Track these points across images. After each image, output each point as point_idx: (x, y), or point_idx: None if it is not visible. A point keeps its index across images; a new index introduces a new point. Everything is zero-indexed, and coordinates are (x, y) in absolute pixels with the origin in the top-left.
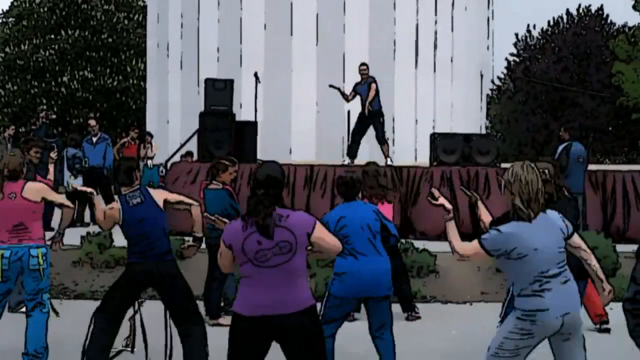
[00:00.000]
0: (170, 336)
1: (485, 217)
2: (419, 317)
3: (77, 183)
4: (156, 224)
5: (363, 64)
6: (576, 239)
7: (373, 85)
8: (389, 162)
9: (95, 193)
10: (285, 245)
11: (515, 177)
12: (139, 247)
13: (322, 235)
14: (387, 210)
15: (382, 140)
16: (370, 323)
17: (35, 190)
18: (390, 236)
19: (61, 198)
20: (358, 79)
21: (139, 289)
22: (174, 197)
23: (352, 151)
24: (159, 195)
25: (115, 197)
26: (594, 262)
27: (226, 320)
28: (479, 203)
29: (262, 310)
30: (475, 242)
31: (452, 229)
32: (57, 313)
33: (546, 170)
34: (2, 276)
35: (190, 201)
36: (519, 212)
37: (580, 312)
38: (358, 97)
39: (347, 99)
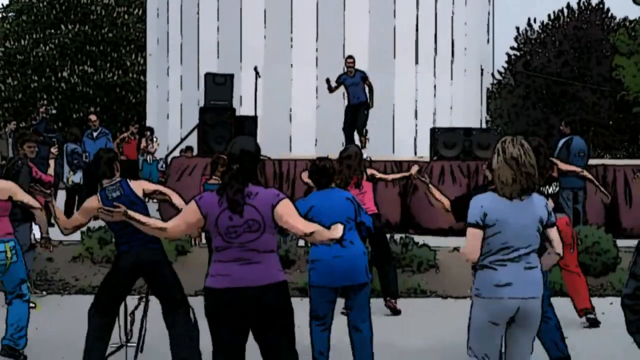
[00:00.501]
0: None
1: (442, 199)
2: (396, 307)
3: (77, 178)
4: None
5: (350, 56)
6: (553, 233)
7: (368, 81)
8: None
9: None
10: (253, 223)
11: (508, 154)
12: (124, 238)
13: (288, 211)
14: (368, 188)
15: (361, 131)
16: (348, 315)
17: (4, 190)
18: (362, 227)
19: (30, 200)
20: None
21: (128, 279)
22: (151, 186)
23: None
24: (138, 186)
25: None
26: (556, 250)
27: None
28: (431, 187)
29: (232, 282)
30: (468, 231)
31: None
32: (35, 305)
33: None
34: None
35: (168, 191)
36: (500, 188)
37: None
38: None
39: (331, 89)
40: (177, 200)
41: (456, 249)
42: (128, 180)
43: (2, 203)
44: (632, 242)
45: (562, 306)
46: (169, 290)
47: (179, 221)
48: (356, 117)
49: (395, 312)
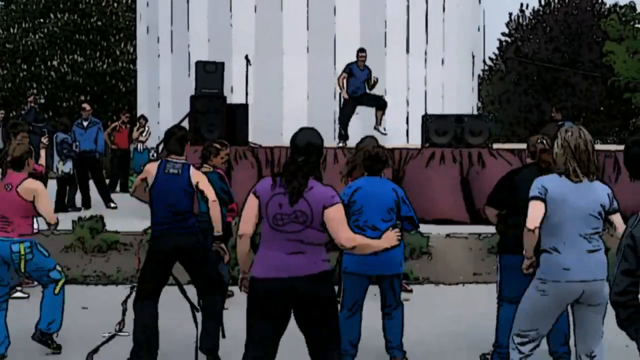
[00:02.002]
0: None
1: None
2: (407, 288)
3: (66, 168)
4: (184, 199)
5: (362, 49)
6: (617, 218)
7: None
8: (382, 130)
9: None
10: (301, 215)
11: (575, 140)
12: (165, 219)
13: (338, 217)
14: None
15: (381, 106)
16: (382, 301)
17: (30, 190)
18: (408, 221)
19: (48, 211)
20: (349, 61)
21: (167, 263)
22: (204, 185)
23: (344, 135)
24: (196, 176)
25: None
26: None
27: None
28: None
29: (276, 272)
30: (531, 205)
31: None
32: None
33: (544, 140)
34: None
35: (212, 197)
36: (571, 176)
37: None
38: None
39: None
40: (213, 211)
41: (449, 235)
42: (191, 167)
43: (27, 204)
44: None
45: None
46: (207, 274)
47: (243, 217)
48: (355, 107)
49: (407, 291)
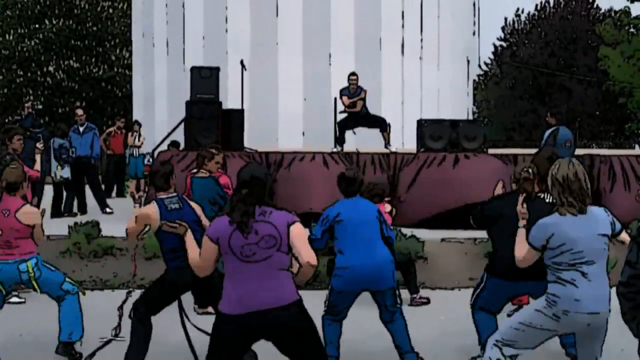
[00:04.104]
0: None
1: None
2: (422, 300)
3: (65, 173)
4: (194, 230)
5: (353, 73)
6: (624, 235)
7: (363, 94)
8: (392, 149)
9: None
10: (270, 239)
11: (567, 175)
12: (179, 253)
13: (300, 233)
14: (384, 208)
15: (384, 127)
16: (380, 312)
17: (30, 214)
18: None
19: (40, 237)
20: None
21: (180, 293)
22: (200, 213)
23: (340, 139)
24: (195, 206)
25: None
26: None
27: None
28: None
29: (246, 307)
30: (527, 246)
31: (520, 236)
32: (84, 293)
33: (530, 170)
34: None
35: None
36: (564, 208)
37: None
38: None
39: (354, 105)
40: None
41: (444, 240)
42: (186, 198)
43: (26, 228)
44: None
45: None
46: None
47: (202, 257)
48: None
49: (425, 302)
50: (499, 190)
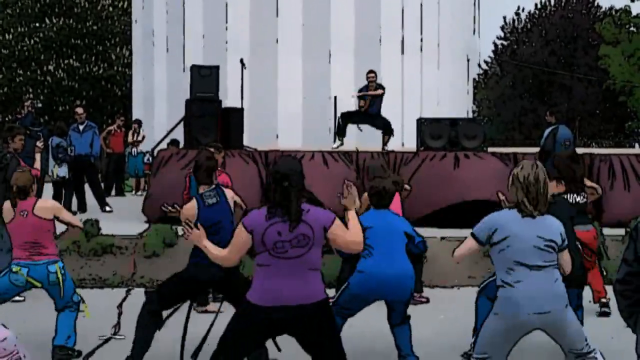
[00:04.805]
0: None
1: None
2: (422, 299)
3: (62, 172)
4: (229, 227)
5: (371, 71)
6: (565, 256)
7: (380, 91)
8: (386, 149)
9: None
10: (303, 238)
11: (526, 176)
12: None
13: (339, 232)
14: (396, 200)
15: (388, 131)
16: (389, 315)
17: (46, 208)
18: (414, 249)
19: (72, 218)
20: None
21: (200, 290)
22: (237, 199)
23: (342, 130)
24: (229, 195)
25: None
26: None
27: (213, 307)
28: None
29: (275, 301)
30: (468, 237)
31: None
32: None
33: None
34: (26, 285)
35: (240, 201)
36: (521, 207)
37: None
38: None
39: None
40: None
41: (444, 238)
42: (223, 188)
43: (48, 223)
44: (619, 231)
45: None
46: (242, 295)
47: (232, 247)
48: (361, 121)
49: (425, 301)
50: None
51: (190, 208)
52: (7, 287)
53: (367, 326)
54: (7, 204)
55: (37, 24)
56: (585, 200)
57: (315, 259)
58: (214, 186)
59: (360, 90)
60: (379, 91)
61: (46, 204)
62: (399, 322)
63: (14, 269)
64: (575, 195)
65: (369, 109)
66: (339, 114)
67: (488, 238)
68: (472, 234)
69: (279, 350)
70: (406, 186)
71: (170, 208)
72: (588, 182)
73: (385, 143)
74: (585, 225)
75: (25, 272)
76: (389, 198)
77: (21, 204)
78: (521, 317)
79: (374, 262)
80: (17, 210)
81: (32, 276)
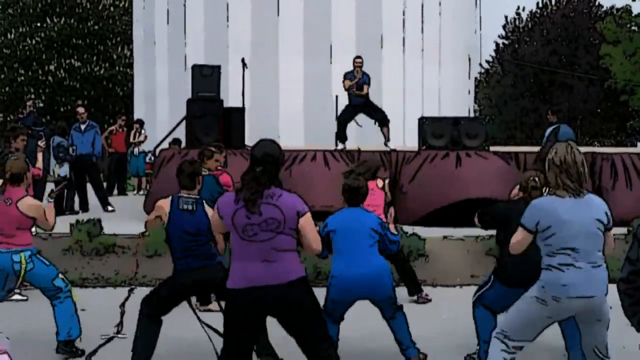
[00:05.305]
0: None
1: None
2: (426, 298)
3: (62, 172)
4: (202, 234)
5: (358, 56)
6: (610, 234)
7: (366, 88)
8: (391, 147)
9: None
10: (272, 222)
11: (563, 157)
12: (185, 253)
13: (308, 225)
14: (379, 195)
15: (385, 122)
16: (380, 312)
17: (29, 206)
18: (388, 248)
19: (47, 221)
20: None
21: (187, 295)
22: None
23: (342, 136)
24: (209, 211)
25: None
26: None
27: (216, 306)
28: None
29: (251, 282)
30: (519, 229)
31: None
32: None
33: (537, 178)
34: None
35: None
36: (558, 191)
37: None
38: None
39: (362, 93)
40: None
41: (445, 237)
42: (204, 204)
43: (26, 219)
44: (621, 230)
45: None
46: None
47: (212, 228)
48: (356, 115)
49: (427, 300)
50: (515, 193)
51: (164, 203)
52: None
53: (367, 328)
54: None
55: (39, 24)
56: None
57: (287, 241)
58: (196, 196)
59: (345, 76)
60: (366, 89)
61: (32, 202)
62: (390, 315)
63: None
64: None
65: (353, 98)
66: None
67: (536, 225)
68: (521, 224)
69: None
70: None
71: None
72: None
73: (386, 137)
74: None
75: None
76: (362, 196)
77: (10, 191)
78: (567, 300)
79: (344, 264)
80: (3, 197)
81: None
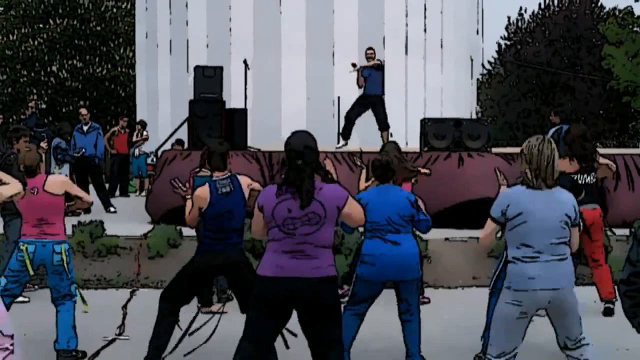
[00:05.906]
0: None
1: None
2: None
3: (63, 172)
4: (240, 216)
5: (370, 48)
6: (575, 233)
7: (377, 61)
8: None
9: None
10: (314, 216)
11: (530, 148)
12: (218, 234)
13: (351, 210)
14: (407, 188)
15: (384, 125)
16: (398, 305)
17: (56, 184)
18: (418, 227)
19: (83, 193)
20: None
21: (211, 276)
22: (255, 185)
23: (347, 132)
24: (245, 183)
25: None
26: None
27: (218, 307)
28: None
29: (284, 272)
30: (487, 220)
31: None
32: (85, 302)
33: None
34: (32, 269)
35: (257, 186)
36: (526, 180)
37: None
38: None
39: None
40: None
41: (447, 239)
42: (237, 176)
43: (58, 199)
44: (623, 231)
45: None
46: (250, 287)
47: (254, 222)
48: (365, 108)
49: (425, 302)
50: (502, 181)
51: (203, 194)
52: (18, 266)
53: (367, 329)
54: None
55: (41, 25)
56: (594, 180)
57: (326, 237)
58: (228, 174)
59: (360, 71)
60: (377, 61)
61: (56, 179)
62: (407, 312)
63: (20, 246)
64: (585, 175)
65: (368, 87)
66: (343, 115)
67: (503, 214)
68: (489, 215)
69: (290, 341)
70: (425, 170)
71: (180, 185)
72: (602, 160)
73: (385, 141)
74: (591, 204)
75: (32, 249)
76: (392, 172)
77: (31, 181)
78: (533, 292)
79: (375, 243)
80: (28, 188)
81: (36, 254)
